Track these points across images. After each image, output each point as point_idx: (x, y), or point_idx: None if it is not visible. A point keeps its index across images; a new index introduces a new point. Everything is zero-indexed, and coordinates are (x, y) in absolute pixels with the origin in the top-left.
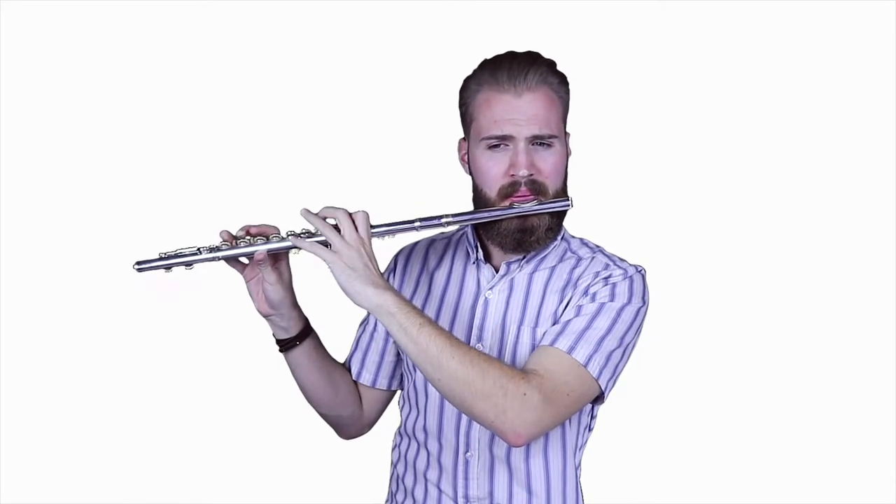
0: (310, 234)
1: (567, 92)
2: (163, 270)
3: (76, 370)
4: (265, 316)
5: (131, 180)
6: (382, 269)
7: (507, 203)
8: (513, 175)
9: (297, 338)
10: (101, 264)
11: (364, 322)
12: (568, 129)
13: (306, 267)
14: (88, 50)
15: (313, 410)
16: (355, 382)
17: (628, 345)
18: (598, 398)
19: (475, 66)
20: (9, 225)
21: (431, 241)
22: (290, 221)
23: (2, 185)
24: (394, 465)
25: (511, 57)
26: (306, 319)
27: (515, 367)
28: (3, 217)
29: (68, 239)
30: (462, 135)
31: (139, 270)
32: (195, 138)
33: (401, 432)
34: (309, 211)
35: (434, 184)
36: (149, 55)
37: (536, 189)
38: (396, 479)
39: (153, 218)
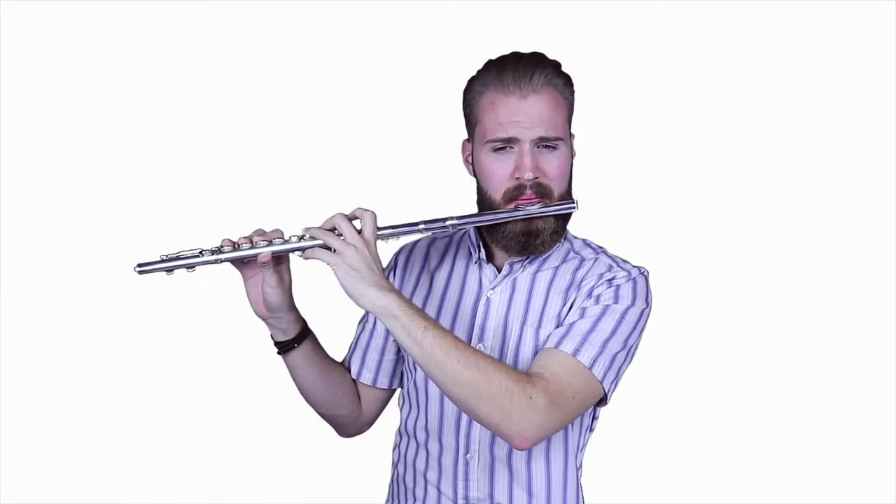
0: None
1: (572, 93)
2: (164, 272)
3: (77, 371)
4: (263, 319)
5: (133, 182)
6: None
7: (512, 206)
8: (518, 178)
9: (296, 340)
10: (102, 266)
11: (363, 320)
12: (573, 131)
13: (304, 268)
14: (89, 50)
15: (312, 410)
16: (354, 381)
17: (632, 347)
18: (602, 400)
19: (479, 66)
20: (10, 226)
21: (433, 240)
22: (294, 224)
23: (2, 186)
24: (394, 466)
25: (516, 58)
26: (304, 321)
27: (520, 371)
28: (4, 218)
29: (70, 241)
30: (465, 135)
31: (140, 273)
32: (199, 141)
33: (401, 431)
34: (310, 227)
35: (437, 185)
36: (151, 56)
37: (541, 192)
38: (397, 480)
39: (154, 220)
